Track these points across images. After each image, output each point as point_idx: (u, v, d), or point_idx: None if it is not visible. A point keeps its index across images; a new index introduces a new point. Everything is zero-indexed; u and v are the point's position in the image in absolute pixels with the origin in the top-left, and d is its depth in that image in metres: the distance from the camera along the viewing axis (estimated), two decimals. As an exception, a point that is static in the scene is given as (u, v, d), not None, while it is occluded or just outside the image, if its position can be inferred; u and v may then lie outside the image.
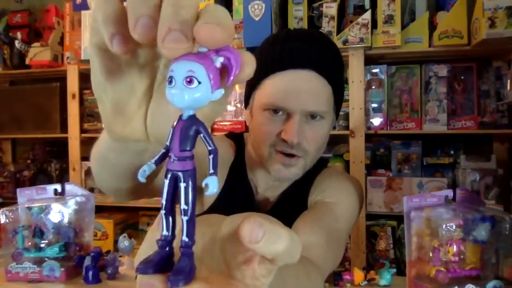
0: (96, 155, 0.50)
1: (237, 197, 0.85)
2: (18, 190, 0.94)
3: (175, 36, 0.25)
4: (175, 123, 0.27)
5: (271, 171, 0.78)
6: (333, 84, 0.76)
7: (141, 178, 0.27)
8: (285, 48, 0.76)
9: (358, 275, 0.83)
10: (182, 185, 0.26)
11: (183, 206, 0.26)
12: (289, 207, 0.83)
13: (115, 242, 2.02)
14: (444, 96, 1.88)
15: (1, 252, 0.91)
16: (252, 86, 0.81)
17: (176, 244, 0.27)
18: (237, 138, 0.92)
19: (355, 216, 0.85)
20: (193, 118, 0.27)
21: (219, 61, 0.26)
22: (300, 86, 0.73)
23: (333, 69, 0.77)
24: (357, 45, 1.80)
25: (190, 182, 0.26)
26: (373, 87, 1.92)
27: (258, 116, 0.77)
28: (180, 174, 0.26)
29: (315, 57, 0.75)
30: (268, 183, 0.86)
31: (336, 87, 0.77)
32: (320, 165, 0.88)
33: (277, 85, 0.74)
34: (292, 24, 1.94)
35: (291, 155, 0.75)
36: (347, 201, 0.82)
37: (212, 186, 0.26)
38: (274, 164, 0.76)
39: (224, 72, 0.26)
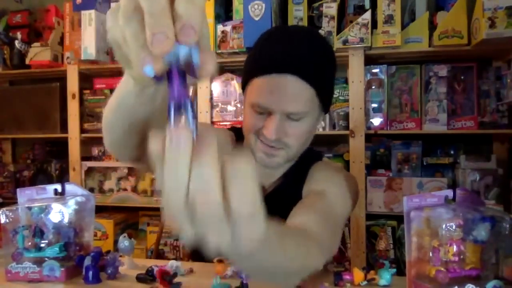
0: (113, 103, 0.54)
1: None
2: (18, 190, 0.94)
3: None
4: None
5: (256, 158, 0.84)
6: (316, 86, 0.81)
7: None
8: (271, 52, 0.81)
9: (358, 275, 0.82)
10: None
11: None
12: (284, 197, 0.85)
13: (115, 242, 2.02)
14: (444, 96, 1.88)
15: (1, 252, 0.91)
16: (245, 81, 0.88)
17: None
18: (237, 130, 1.00)
19: (348, 207, 0.87)
20: None
21: None
22: (281, 90, 0.79)
23: (316, 71, 0.81)
24: (357, 45, 1.80)
25: None
26: (373, 87, 1.92)
27: (247, 109, 0.86)
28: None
29: (298, 62, 0.79)
30: (260, 170, 0.88)
31: (320, 88, 0.81)
32: (314, 158, 0.95)
33: (262, 87, 0.81)
34: (292, 24, 1.94)
35: (271, 146, 0.82)
36: (337, 191, 0.85)
37: None
38: (258, 152, 0.84)
39: None
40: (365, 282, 0.82)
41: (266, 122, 0.81)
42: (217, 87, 2.04)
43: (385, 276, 0.82)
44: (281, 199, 0.83)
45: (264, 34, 0.88)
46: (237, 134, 0.99)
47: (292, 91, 0.79)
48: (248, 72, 0.86)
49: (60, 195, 0.93)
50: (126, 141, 0.59)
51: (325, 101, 0.86)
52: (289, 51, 0.80)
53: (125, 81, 0.49)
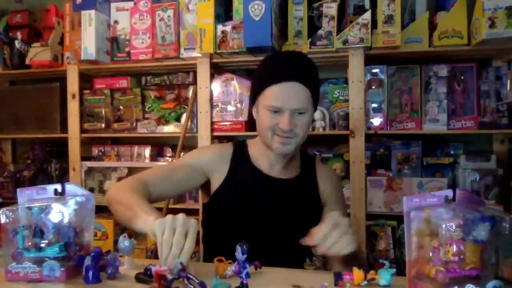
0: (125, 209, 1.01)
1: (247, 180, 1.18)
2: (18, 190, 0.93)
3: None
4: None
5: (273, 149, 1.13)
6: (311, 89, 1.11)
7: None
8: (279, 67, 1.12)
9: (358, 275, 0.82)
10: None
11: None
12: (304, 181, 1.22)
13: (115, 242, 2.02)
14: (444, 96, 1.88)
15: (1, 252, 0.91)
16: (257, 92, 1.15)
17: None
18: (240, 143, 1.26)
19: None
20: None
21: None
22: (290, 93, 1.09)
23: (310, 79, 1.12)
24: (357, 45, 1.80)
25: None
26: (373, 87, 1.92)
27: (263, 112, 1.12)
28: None
29: (299, 72, 1.10)
30: (271, 163, 1.19)
31: (313, 91, 1.12)
32: (311, 156, 1.31)
33: (275, 93, 1.10)
34: (292, 24, 1.94)
35: (285, 137, 1.10)
36: (342, 197, 1.31)
37: None
38: (275, 143, 1.12)
39: None
40: (365, 282, 0.82)
41: (281, 118, 1.09)
42: (217, 87, 2.04)
43: (385, 276, 0.82)
44: (302, 183, 1.22)
45: (267, 58, 1.20)
46: (240, 147, 1.24)
47: (297, 93, 1.09)
48: (259, 85, 1.14)
49: (60, 195, 0.93)
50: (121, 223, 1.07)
51: (315, 101, 1.16)
52: (291, 66, 1.11)
53: (140, 223, 0.93)
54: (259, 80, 1.16)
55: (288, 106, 1.08)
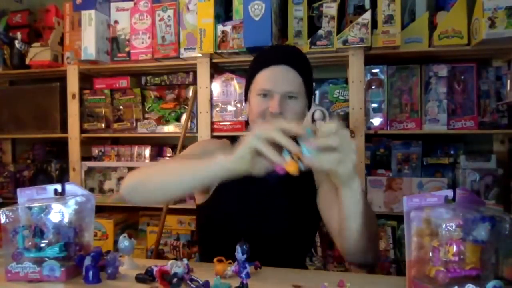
0: (178, 172, 0.93)
1: (244, 177, 1.10)
2: (18, 190, 0.93)
3: None
4: None
5: None
6: (303, 75, 1.11)
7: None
8: (270, 53, 1.18)
9: (291, 165, 0.78)
10: None
11: None
12: (301, 178, 1.11)
13: (115, 242, 2.02)
14: (444, 96, 1.88)
15: (1, 252, 0.91)
16: (249, 81, 1.17)
17: None
18: (232, 138, 1.21)
19: None
20: None
21: None
22: (279, 75, 1.10)
23: (301, 65, 1.12)
24: (357, 45, 1.80)
25: None
26: (373, 87, 1.92)
27: (253, 100, 1.13)
28: None
29: (288, 58, 1.12)
30: None
31: (305, 78, 1.12)
32: None
33: (265, 76, 1.11)
34: (292, 24, 1.94)
35: None
36: None
37: None
38: None
39: None
40: (300, 164, 0.78)
41: (270, 102, 1.08)
42: (217, 87, 2.04)
43: (304, 150, 0.78)
44: (300, 177, 1.02)
45: (257, 53, 1.22)
46: (231, 139, 1.23)
47: (287, 76, 1.09)
48: (251, 72, 1.15)
49: (60, 195, 0.93)
50: (171, 194, 0.96)
51: (308, 93, 1.15)
52: (283, 51, 1.15)
53: (210, 168, 0.87)
54: (250, 71, 1.18)
55: (278, 89, 1.08)
